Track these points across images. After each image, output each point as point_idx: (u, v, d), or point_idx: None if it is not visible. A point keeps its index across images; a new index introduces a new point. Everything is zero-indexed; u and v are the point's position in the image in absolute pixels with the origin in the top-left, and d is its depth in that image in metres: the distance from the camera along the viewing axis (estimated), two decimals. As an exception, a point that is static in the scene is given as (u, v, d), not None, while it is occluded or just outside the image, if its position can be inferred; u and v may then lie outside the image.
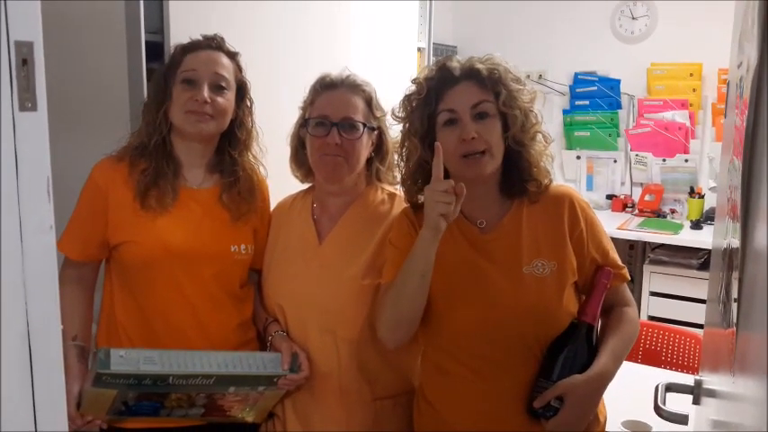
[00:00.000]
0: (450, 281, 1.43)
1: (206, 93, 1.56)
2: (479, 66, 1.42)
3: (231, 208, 1.65)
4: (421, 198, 1.46)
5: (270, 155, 1.75)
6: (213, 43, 1.64)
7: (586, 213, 1.47)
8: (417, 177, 1.49)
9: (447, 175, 1.42)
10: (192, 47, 1.63)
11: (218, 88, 1.59)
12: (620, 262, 1.50)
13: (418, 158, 1.46)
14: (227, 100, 1.61)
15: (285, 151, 1.73)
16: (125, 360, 1.39)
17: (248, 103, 1.70)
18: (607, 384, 1.40)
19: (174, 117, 1.59)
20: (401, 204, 1.60)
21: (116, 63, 1.84)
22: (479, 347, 1.42)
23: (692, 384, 1.33)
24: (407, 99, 1.48)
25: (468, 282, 1.43)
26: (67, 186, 1.54)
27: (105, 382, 1.39)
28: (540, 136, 1.47)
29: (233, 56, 1.66)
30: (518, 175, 1.46)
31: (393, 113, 1.54)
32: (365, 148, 1.62)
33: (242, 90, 1.67)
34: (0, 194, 0.72)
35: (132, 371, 1.39)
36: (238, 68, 1.67)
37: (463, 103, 1.39)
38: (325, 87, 1.63)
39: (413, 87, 1.47)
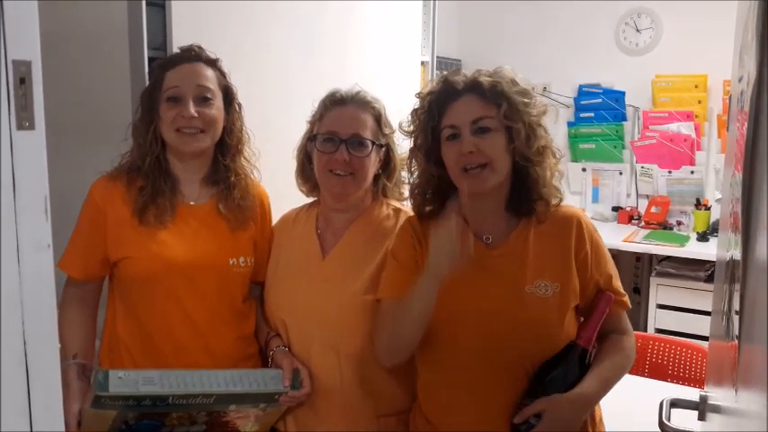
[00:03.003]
0: (450, 296, 1.40)
1: (192, 108, 1.55)
2: (483, 79, 1.39)
3: (229, 217, 1.63)
4: (428, 208, 1.48)
5: (274, 167, 1.75)
6: (191, 55, 1.61)
7: (593, 237, 1.45)
8: (425, 190, 1.48)
9: (454, 189, 1.41)
10: (171, 62, 1.60)
11: (203, 100, 1.57)
12: (622, 289, 1.47)
13: (424, 172, 1.46)
14: (215, 110, 1.59)
15: (292, 164, 1.72)
16: (123, 382, 1.37)
17: (237, 108, 1.67)
18: (589, 408, 1.38)
19: (166, 136, 1.58)
20: (406, 220, 1.59)
21: (119, 79, 1.85)
22: (475, 364, 1.40)
23: (698, 400, 1.32)
24: (415, 113, 1.47)
25: (468, 298, 1.41)
26: (69, 204, 1.55)
27: (104, 403, 1.38)
28: (548, 152, 1.44)
29: (213, 63, 1.63)
30: (526, 193, 1.43)
31: (401, 128, 1.54)
32: (373, 165, 1.61)
33: (228, 95, 1.65)
34: (-2, 213, 0.72)
35: (131, 392, 1.37)
36: (221, 75, 1.64)
37: (463, 118, 1.38)
38: (335, 103, 1.62)
39: (419, 102, 1.46)
